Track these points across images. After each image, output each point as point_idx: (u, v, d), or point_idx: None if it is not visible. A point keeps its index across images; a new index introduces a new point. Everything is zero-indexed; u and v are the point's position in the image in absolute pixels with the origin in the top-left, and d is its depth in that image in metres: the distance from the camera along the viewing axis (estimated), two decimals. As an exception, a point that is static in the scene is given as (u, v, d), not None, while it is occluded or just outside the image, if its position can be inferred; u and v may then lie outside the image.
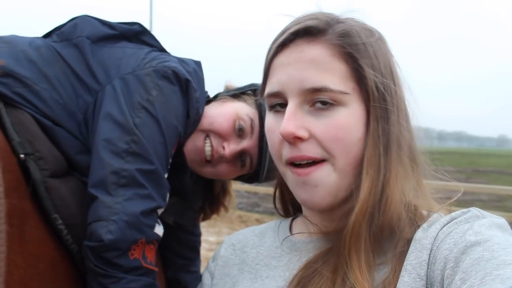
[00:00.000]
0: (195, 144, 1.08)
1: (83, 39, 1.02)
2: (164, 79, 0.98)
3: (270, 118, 0.67)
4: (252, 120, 1.08)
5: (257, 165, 1.10)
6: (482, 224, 0.54)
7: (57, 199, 0.88)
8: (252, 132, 1.08)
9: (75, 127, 0.97)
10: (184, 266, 1.29)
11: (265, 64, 0.67)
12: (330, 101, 0.61)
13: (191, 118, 1.03)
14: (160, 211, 0.96)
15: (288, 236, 0.74)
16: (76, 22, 1.06)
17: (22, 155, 0.86)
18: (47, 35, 1.08)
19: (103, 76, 1.00)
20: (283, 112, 0.64)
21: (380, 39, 0.65)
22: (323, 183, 0.62)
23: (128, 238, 0.88)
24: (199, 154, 1.08)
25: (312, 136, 0.61)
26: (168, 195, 0.98)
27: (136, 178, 0.90)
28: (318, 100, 0.61)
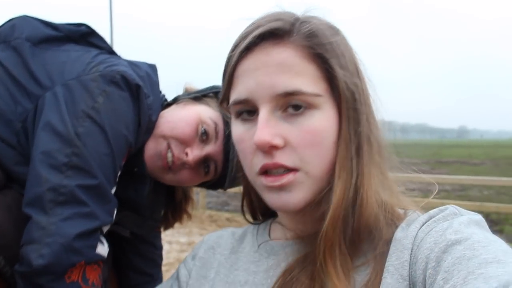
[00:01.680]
0: (157, 151, 1.01)
1: (22, 41, 0.94)
2: (112, 84, 0.90)
3: (238, 127, 0.64)
4: (216, 124, 1.01)
5: (221, 171, 1.04)
6: (461, 222, 0.54)
7: None
8: (216, 137, 1.01)
9: (12, 137, 0.89)
10: (143, 284, 1.19)
11: (228, 71, 0.63)
12: (304, 105, 0.58)
13: (142, 126, 0.95)
14: (105, 229, 0.88)
15: (267, 240, 0.72)
16: (15, 23, 0.98)
17: None
18: None
19: (46, 79, 0.91)
20: (252, 120, 0.61)
21: (344, 37, 0.64)
22: (296, 189, 0.60)
23: (63, 262, 0.79)
24: (160, 160, 1.01)
25: (287, 144, 0.59)
26: (115, 210, 0.91)
27: (76, 195, 0.82)
28: (291, 104, 0.59)
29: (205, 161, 1.03)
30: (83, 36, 1.02)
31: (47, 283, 0.78)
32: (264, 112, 0.59)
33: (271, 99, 0.59)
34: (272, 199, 0.62)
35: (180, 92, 1.14)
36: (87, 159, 0.84)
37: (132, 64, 1.01)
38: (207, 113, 1.03)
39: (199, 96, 1.08)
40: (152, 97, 0.99)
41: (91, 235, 0.83)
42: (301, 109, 0.59)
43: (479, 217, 0.56)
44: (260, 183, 0.62)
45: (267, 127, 0.58)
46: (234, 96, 0.62)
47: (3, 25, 0.99)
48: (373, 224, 0.59)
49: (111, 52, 1.04)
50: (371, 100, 0.64)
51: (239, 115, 0.63)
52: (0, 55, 0.94)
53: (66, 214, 0.81)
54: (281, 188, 0.60)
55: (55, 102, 0.87)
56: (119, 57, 1.03)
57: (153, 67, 1.06)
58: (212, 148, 1.01)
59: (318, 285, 0.57)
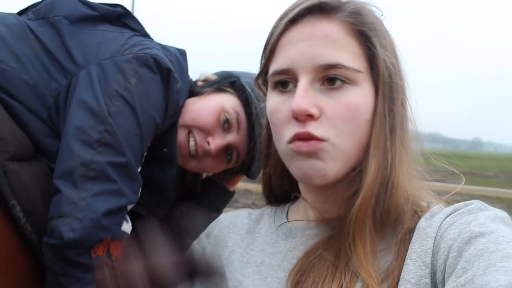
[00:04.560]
0: (178, 139, 1.03)
1: (61, 19, 0.96)
2: (145, 66, 0.93)
3: (274, 98, 0.64)
4: (237, 113, 1.03)
5: (244, 159, 1.07)
6: (487, 216, 0.54)
7: (16, 184, 0.82)
8: (238, 126, 1.03)
9: (43, 111, 0.91)
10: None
11: (271, 42, 0.64)
12: (343, 79, 0.59)
13: (169, 110, 0.98)
14: (129, 207, 0.91)
15: (285, 222, 0.71)
16: (54, 0, 1.00)
17: None
18: (22, 12, 1.02)
19: (81, 58, 0.93)
20: (289, 92, 0.62)
21: (382, 22, 0.65)
22: (325, 159, 0.60)
23: (92, 237, 0.82)
24: (181, 149, 1.04)
25: (322, 114, 0.59)
26: (140, 189, 0.94)
27: (106, 172, 0.85)
28: (331, 77, 0.59)
29: (227, 149, 1.05)
30: (118, 17, 1.04)
31: (75, 256, 0.81)
32: (303, 82, 0.59)
33: (312, 70, 0.59)
34: (300, 165, 0.61)
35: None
36: (118, 137, 0.87)
37: (164, 48, 1.03)
38: (229, 102, 1.04)
39: (220, 87, 1.09)
40: (181, 82, 1.01)
41: (118, 213, 0.86)
42: (340, 83, 0.59)
43: (505, 214, 0.56)
44: (290, 149, 0.62)
45: (305, 96, 0.58)
46: (275, 66, 0.63)
47: (42, 1, 1.02)
48: (401, 209, 0.59)
49: (145, 34, 1.06)
50: (406, 86, 0.65)
51: (276, 86, 0.64)
52: (38, 30, 0.95)
53: (96, 190, 0.83)
54: (309, 154, 0.60)
55: (89, 81, 0.90)
56: (152, 40, 1.05)
57: (182, 53, 1.08)
58: (234, 137, 1.04)
59: (342, 262, 0.57)
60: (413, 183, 0.62)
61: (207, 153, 1.03)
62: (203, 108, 1.04)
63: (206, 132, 1.03)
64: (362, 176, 0.59)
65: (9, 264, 0.83)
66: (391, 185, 0.59)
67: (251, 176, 1.11)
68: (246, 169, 1.10)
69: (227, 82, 1.09)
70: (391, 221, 0.60)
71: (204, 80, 1.13)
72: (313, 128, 0.59)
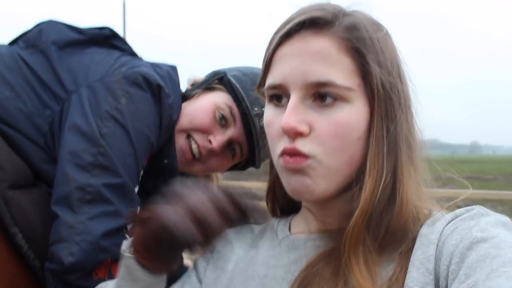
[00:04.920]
0: (178, 146, 1.04)
1: (49, 45, 0.98)
2: (134, 85, 0.94)
3: (269, 111, 0.65)
4: (230, 108, 1.05)
5: (247, 151, 1.07)
6: (488, 221, 0.54)
7: (17, 212, 0.83)
8: (234, 120, 1.05)
9: (40, 138, 0.92)
10: None
11: (267, 55, 0.64)
12: (334, 96, 0.59)
13: (163, 125, 0.99)
14: (129, 227, 0.90)
15: (288, 235, 0.71)
16: (42, 28, 1.02)
17: None
18: (13, 42, 1.04)
19: (71, 83, 0.95)
20: (282, 106, 0.62)
21: (387, 35, 0.63)
22: (311, 176, 0.60)
23: (92, 260, 0.82)
24: (183, 154, 1.04)
25: (312, 131, 0.59)
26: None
27: (102, 194, 0.85)
28: (321, 94, 0.59)
29: (229, 144, 1.06)
30: (106, 38, 1.05)
31: (76, 280, 0.81)
32: (294, 99, 0.59)
33: (303, 87, 0.59)
34: (289, 182, 0.62)
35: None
36: (112, 158, 0.87)
37: (154, 64, 1.04)
38: (220, 98, 1.05)
39: (208, 86, 1.10)
40: (173, 97, 1.01)
41: (117, 233, 0.86)
42: (331, 101, 0.59)
43: (506, 219, 0.56)
44: (280, 164, 0.62)
45: (294, 114, 0.58)
46: (270, 80, 0.63)
47: (31, 30, 1.03)
48: (408, 224, 0.59)
49: (132, 53, 1.07)
50: (412, 103, 0.63)
51: (271, 99, 0.64)
52: (29, 58, 0.97)
53: (93, 213, 0.83)
54: (296, 170, 0.60)
55: (80, 104, 0.91)
56: (140, 58, 1.07)
57: (173, 68, 1.09)
58: (232, 131, 1.05)
59: (341, 282, 0.57)
60: (421, 196, 0.62)
61: (211, 153, 1.04)
62: (198, 109, 1.05)
63: (206, 131, 1.04)
64: (358, 196, 0.59)
65: None
66: (399, 202, 0.58)
67: (257, 165, 1.11)
68: (251, 159, 1.10)
69: (215, 79, 1.10)
70: (400, 236, 0.59)
71: (192, 84, 1.15)
72: (301, 144, 0.59)
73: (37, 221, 0.86)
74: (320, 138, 0.59)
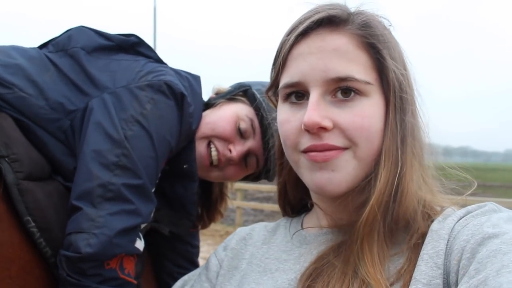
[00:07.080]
0: (198, 152, 1.09)
1: (78, 50, 1.03)
2: (159, 93, 0.98)
3: (285, 110, 0.66)
4: (252, 120, 1.10)
5: (263, 163, 1.12)
6: (500, 217, 0.53)
7: (30, 202, 0.87)
8: (254, 132, 1.10)
9: (61, 133, 0.97)
10: (179, 273, 1.19)
11: (281, 55, 0.65)
12: (354, 91, 0.61)
13: (182, 132, 1.03)
14: (143, 226, 0.96)
15: (299, 230, 0.73)
16: (71, 33, 1.07)
17: None
18: (43, 46, 1.10)
19: (98, 84, 1.00)
20: (300, 104, 0.64)
21: (391, 32, 0.66)
22: (340, 169, 0.61)
23: (107, 253, 0.87)
24: (203, 160, 1.10)
25: (336, 126, 0.61)
26: (154, 210, 0.99)
27: (122, 193, 0.89)
28: (342, 89, 0.61)
29: (245, 155, 1.13)
30: (132, 45, 1.10)
31: (89, 268, 0.87)
32: (314, 95, 0.61)
33: (323, 83, 0.61)
34: (314, 178, 0.63)
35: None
36: (135, 160, 0.92)
37: (178, 73, 1.10)
38: (243, 110, 1.12)
39: (232, 97, 1.16)
40: (194, 106, 1.06)
41: (133, 231, 0.92)
42: (351, 95, 0.61)
43: None
44: (303, 160, 0.64)
45: (317, 109, 0.60)
46: (286, 79, 0.65)
47: (61, 35, 1.10)
48: (410, 215, 0.60)
49: (158, 60, 1.11)
50: (416, 97, 0.67)
51: (287, 98, 0.66)
52: (58, 61, 1.03)
53: (113, 210, 0.89)
54: (325, 164, 0.62)
55: (104, 107, 0.96)
56: (166, 65, 1.11)
57: (196, 78, 1.14)
58: (252, 143, 1.11)
59: (351, 270, 0.58)
60: (424, 188, 0.64)
61: (229, 161, 1.10)
62: (220, 118, 1.10)
63: (226, 140, 1.09)
64: (372, 185, 0.60)
65: (25, 277, 0.86)
66: (401, 193, 0.60)
67: (271, 178, 1.16)
68: (265, 172, 1.16)
69: (239, 91, 1.16)
70: (402, 227, 0.61)
71: (216, 93, 1.22)
72: (329, 139, 0.61)
73: (50, 211, 0.90)
74: (347, 132, 0.61)
